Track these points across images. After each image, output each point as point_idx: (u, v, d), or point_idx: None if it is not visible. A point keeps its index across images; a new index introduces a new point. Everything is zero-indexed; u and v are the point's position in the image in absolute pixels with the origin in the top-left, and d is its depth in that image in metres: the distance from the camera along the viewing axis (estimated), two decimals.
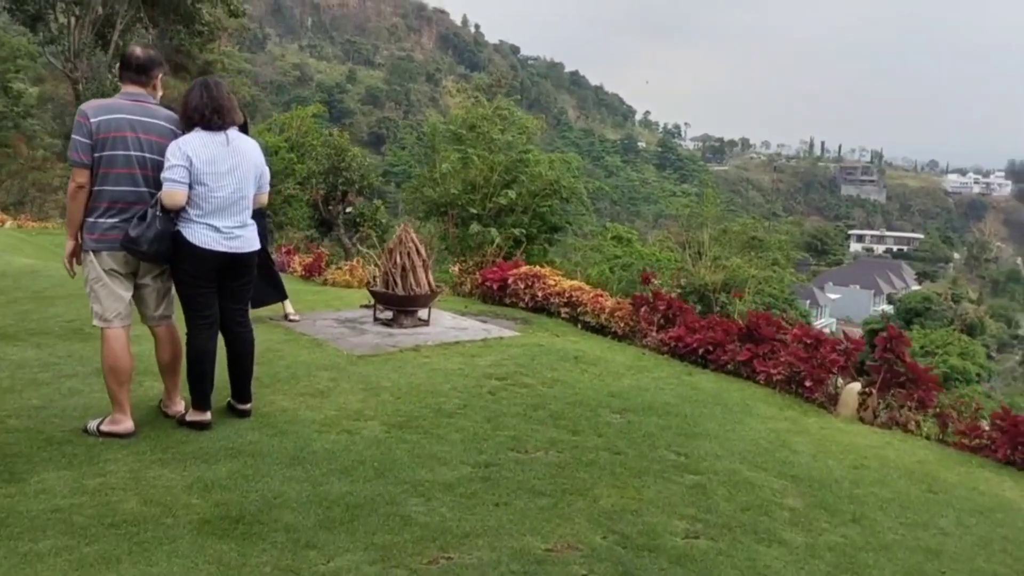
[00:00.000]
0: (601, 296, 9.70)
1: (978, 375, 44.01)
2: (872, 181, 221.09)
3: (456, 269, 12.57)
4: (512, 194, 28.88)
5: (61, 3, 17.41)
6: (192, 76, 32.17)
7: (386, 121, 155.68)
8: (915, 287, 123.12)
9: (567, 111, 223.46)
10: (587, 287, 10.07)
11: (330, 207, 23.94)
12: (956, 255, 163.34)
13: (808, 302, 65.52)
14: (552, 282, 10.06)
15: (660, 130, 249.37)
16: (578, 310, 9.70)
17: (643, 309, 9.11)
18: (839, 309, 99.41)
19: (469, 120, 30.64)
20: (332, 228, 24.41)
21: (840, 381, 7.53)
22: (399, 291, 8.76)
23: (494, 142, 29.29)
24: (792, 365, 7.41)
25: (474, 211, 28.88)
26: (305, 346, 7.87)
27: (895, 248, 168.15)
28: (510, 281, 10.52)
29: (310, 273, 14.05)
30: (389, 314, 8.95)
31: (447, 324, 9.14)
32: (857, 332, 71.15)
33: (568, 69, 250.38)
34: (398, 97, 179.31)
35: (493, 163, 29.26)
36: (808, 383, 7.30)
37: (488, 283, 10.84)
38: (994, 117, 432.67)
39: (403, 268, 8.74)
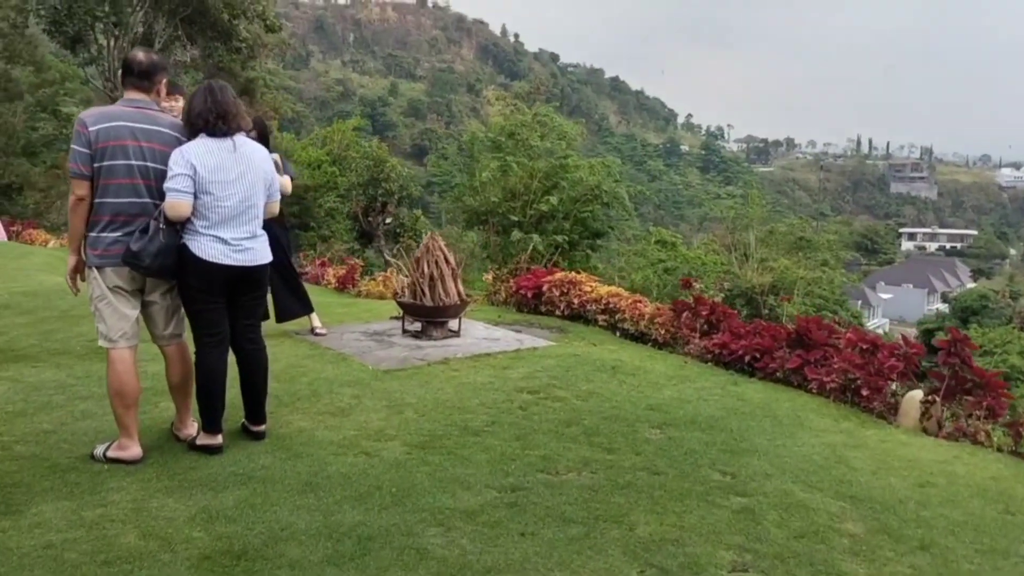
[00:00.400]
0: (640, 302, 9.25)
1: None
2: (923, 178, 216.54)
3: (490, 277, 12.25)
4: (553, 200, 28.48)
5: (100, 24, 17.49)
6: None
7: (428, 132, 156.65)
8: (970, 285, 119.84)
9: (608, 116, 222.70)
10: (625, 293, 9.61)
11: (370, 218, 23.86)
12: (1012, 251, 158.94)
13: (859, 303, 63.96)
14: (588, 288, 9.65)
15: (703, 133, 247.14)
16: (616, 317, 9.26)
17: (684, 315, 8.64)
18: (892, 309, 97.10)
19: (508, 128, 30.41)
20: (373, 239, 24.34)
21: (900, 388, 6.95)
22: (427, 302, 8.43)
23: (533, 149, 29.05)
24: (846, 372, 6.87)
25: (515, 218, 28.55)
26: (330, 361, 7.58)
27: (948, 246, 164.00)
28: (545, 288, 10.14)
29: (343, 285, 13.83)
30: (418, 326, 8.64)
31: (479, 335, 8.83)
32: (911, 332, 69.33)
33: (608, 75, 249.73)
34: (440, 109, 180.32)
35: (533, 170, 28.93)
36: (865, 391, 6.74)
37: (522, 291, 10.45)
38: None
39: (431, 278, 8.41)
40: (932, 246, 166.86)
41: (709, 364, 8.08)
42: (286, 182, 7.08)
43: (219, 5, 18.81)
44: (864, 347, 7.03)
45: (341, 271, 14.39)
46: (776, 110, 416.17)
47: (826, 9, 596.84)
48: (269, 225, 5.33)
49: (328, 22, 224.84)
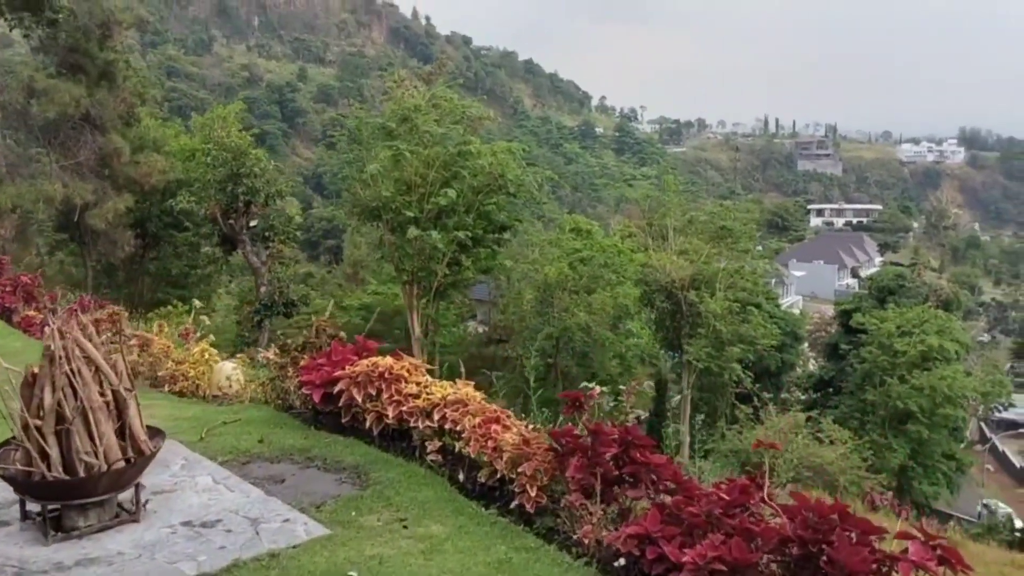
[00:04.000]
0: (496, 422, 5.41)
1: (957, 353, 42.21)
2: (828, 155, 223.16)
3: (270, 355, 6.78)
4: (452, 193, 26.15)
5: None
6: (91, 78, 28.82)
7: (340, 119, 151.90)
8: (878, 259, 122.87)
9: (523, 100, 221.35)
10: (474, 398, 5.57)
11: (231, 221, 20.93)
12: (915, 224, 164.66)
13: (773, 281, 63.79)
14: (413, 388, 5.52)
15: (617, 115, 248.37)
16: (457, 447, 5.48)
17: (573, 462, 4.93)
18: (805, 286, 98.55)
19: (400, 112, 27.88)
20: (236, 245, 21.45)
21: None
22: (55, 471, 4.46)
23: (429, 135, 26.60)
24: None
25: (411, 214, 26.18)
26: None
27: (855, 220, 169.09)
28: (343, 388, 5.68)
29: None
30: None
31: (186, 506, 5.02)
32: (826, 309, 69.59)
33: (522, 58, 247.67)
34: (351, 94, 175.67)
35: (429, 159, 26.54)
36: None
37: (307, 389, 6.00)
38: (944, 85, 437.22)
39: (62, 417, 4.38)
40: (839, 221, 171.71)
41: None
42: None
43: None
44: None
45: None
46: (687, 91, 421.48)
47: None
48: None
49: (231, 5, 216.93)
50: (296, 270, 31.63)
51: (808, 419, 30.46)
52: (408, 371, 5.30)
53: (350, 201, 27.47)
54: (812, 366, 55.26)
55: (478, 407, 5.18)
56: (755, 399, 31.81)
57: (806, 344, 56.05)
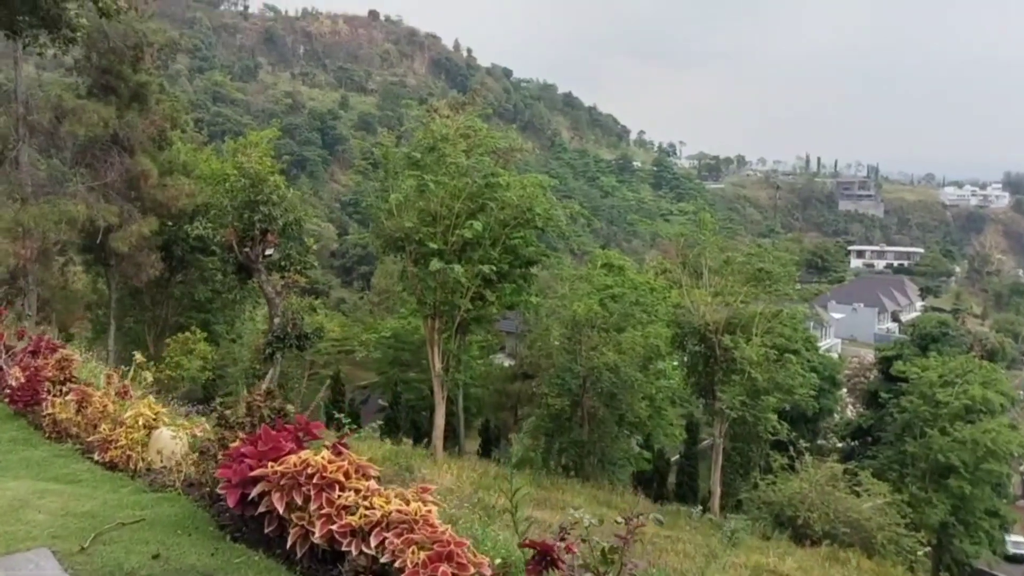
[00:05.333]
0: (449, 559, 3.81)
1: (1001, 405, 40.30)
2: (869, 196, 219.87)
3: (198, 431, 5.47)
4: (478, 225, 25.33)
5: None
6: (122, 100, 28.61)
7: (379, 146, 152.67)
8: (919, 303, 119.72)
9: (561, 132, 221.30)
10: (425, 517, 3.97)
11: (247, 249, 20.22)
12: (957, 269, 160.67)
13: (811, 324, 62.24)
14: (350, 497, 4.04)
15: (655, 149, 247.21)
16: None
17: None
18: (843, 329, 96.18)
19: (427, 141, 27.23)
20: (252, 274, 20.73)
21: None
22: None
23: (456, 166, 25.88)
24: None
25: (434, 246, 25.40)
26: None
27: (896, 263, 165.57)
28: (263, 490, 4.26)
29: (26, 404, 6.97)
30: None
31: None
32: (865, 353, 67.56)
33: (561, 91, 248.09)
34: (390, 122, 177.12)
35: (455, 189, 25.81)
36: None
37: (223, 488, 4.47)
38: (989, 129, 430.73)
39: None
40: (880, 264, 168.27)
41: None
42: None
43: None
44: None
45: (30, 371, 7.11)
46: (727, 128, 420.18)
47: (778, 30, 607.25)
48: None
49: (278, 34, 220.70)
50: (310, 303, 30.97)
51: (845, 471, 28.94)
52: (346, 474, 3.90)
53: (375, 230, 26.88)
54: (850, 413, 53.32)
55: (428, 534, 3.69)
56: (791, 448, 30.33)
57: (844, 389, 54.16)
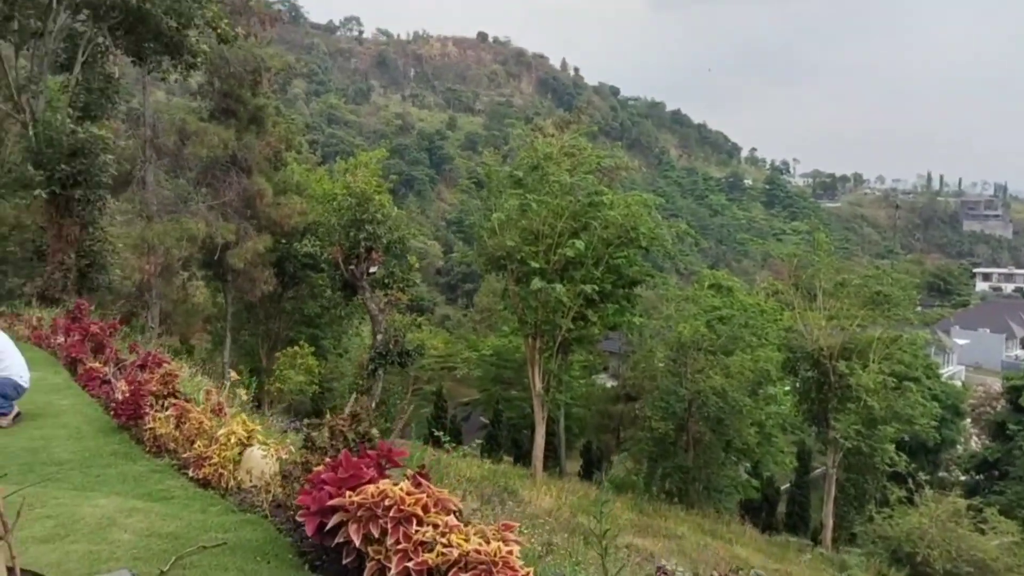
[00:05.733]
0: None
1: None
2: (997, 215, 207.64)
3: (272, 458, 5.05)
4: (580, 244, 25.07)
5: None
6: (241, 123, 29.86)
7: (483, 166, 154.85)
8: None
9: (669, 150, 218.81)
10: (507, 560, 3.48)
11: (352, 267, 20.60)
12: None
13: (932, 349, 58.83)
14: (428, 533, 3.69)
15: (767, 167, 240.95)
16: None
17: None
18: (968, 355, 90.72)
19: (531, 160, 27.19)
20: (356, 291, 21.10)
21: None
22: None
23: (559, 185, 25.72)
24: None
25: (535, 265, 25.26)
26: None
27: None
28: (339, 520, 3.93)
29: (129, 417, 6.94)
30: None
31: None
32: (991, 381, 63.41)
33: (669, 108, 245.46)
34: (496, 142, 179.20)
35: (558, 208, 25.64)
36: None
37: (302, 516, 4.12)
38: None
39: None
40: (1008, 287, 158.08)
41: None
42: None
43: (159, 12, 16.03)
44: None
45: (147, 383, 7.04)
46: (843, 145, 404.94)
47: (895, 44, 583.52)
48: None
49: (390, 58, 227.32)
50: (414, 319, 31.37)
51: (969, 506, 27.13)
52: (425, 507, 3.60)
53: (478, 249, 26.99)
54: (975, 445, 50.03)
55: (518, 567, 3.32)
56: (909, 480, 28.66)
57: (968, 420, 50.88)
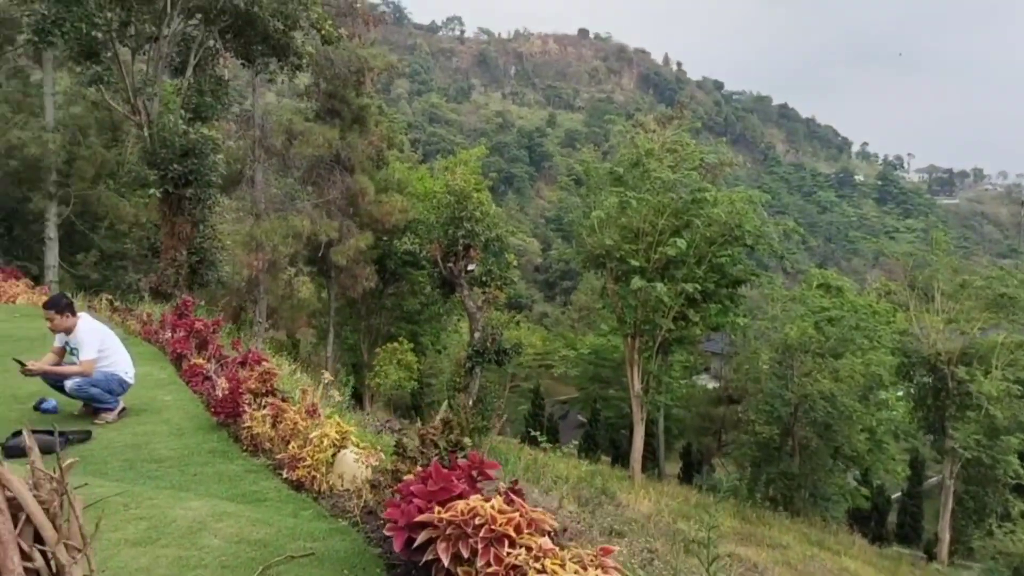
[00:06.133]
0: None
1: None
2: None
3: (365, 465, 4.89)
4: (682, 243, 24.40)
5: (98, 32, 14.98)
6: (345, 122, 30.44)
7: (581, 163, 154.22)
8: None
9: (775, 145, 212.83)
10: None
11: (451, 264, 20.63)
12: None
13: None
14: (520, 556, 3.26)
15: (880, 162, 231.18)
16: None
17: None
18: None
19: (631, 156, 26.67)
20: (455, 288, 21.13)
21: None
22: None
23: (661, 181, 25.13)
24: None
25: (635, 263, 24.75)
26: None
27: None
28: (428, 537, 3.56)
29: (227, 415, 6.91)
30: None
31: None
32: None
33: (776, 102, 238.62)
34: (596, 138, 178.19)
35: (659, 206, 25.05)
36: None
37: (389, 530, 3.76)
38: None
39: None
40: None
41: None
42: None
43: (266, 15, 16.41)
44: None
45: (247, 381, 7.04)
46: (962, 138, 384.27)
47: (1020, 30, 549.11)
48: None
49: (491, 56, 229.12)
50: (512, 316, 31.32)
51: None
52: (517, 528, 3.28)
53: (576, 247, 26.71)
54: None
55: None
56: None
57: None
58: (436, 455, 3.93)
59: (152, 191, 16.40)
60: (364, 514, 4.33)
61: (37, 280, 25.82)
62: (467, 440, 4.07)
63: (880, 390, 31.34)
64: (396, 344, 27.61)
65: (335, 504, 4.65)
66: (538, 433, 19.44)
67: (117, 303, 13.64)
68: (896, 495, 40.22)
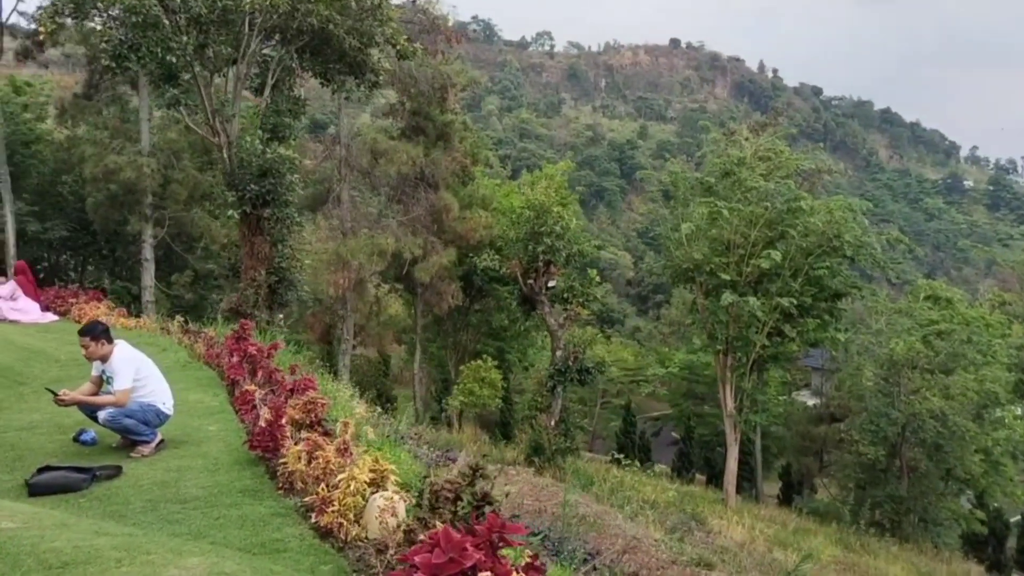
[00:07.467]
0: None
1: None
2: None
3: (400, 510, 4.44)
4: (777, 255, 23.18)
5: (173, 56, 15.15)
6: (429, 139, 30.44)
7: (671, 174, 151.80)
8: None
9: (878, 151, 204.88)
10: None
11: (531, 281, 20.07)
12: None
13: None
14: None
15: (991, 166, 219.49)
16: None
17: None
18: None
19: (722, 166, 25.60)
20: (536, 306, 20.57)
21: None
22: None
23: (753, 191, 23.98)
24: None
25: (727, 277, 23.65)
26: None
27: None
28: None
29: (265, 449, 6.44)
30: None
31: None
32: None
33: (878, 107, 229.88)
34: (689, 149, 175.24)
35: (752, 217, 23.90)
36: None
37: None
38: None
39: None
40: None
41: None
42: None
43: (342, 33, 16.32)
44: None
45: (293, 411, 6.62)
46: None
47: None
48: None
49: (581, 69, 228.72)
50: (594, 333, 30.51)
51: None
52: None
53: (665, 260, 25.84)
54: None
55: None
56: None
57: None
58: (451, 515, 3.37)
59: (230, 212, 16.52)
60: (387, 572, 3.80)
61: (136, 300, 26.69)
62: (496, 493, 3.48)
63: (996, 408, 29.28)
64: (479, 362, 27.26)
65: (360, 558, 4.15)
66: (623, 456, 18.68)
67: (189, 325, 13.68)
68: (1015, 519, 37.51)
